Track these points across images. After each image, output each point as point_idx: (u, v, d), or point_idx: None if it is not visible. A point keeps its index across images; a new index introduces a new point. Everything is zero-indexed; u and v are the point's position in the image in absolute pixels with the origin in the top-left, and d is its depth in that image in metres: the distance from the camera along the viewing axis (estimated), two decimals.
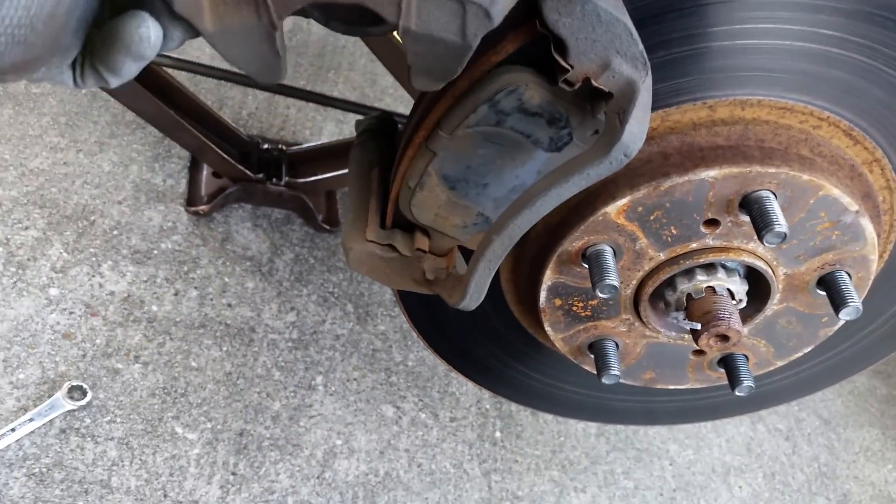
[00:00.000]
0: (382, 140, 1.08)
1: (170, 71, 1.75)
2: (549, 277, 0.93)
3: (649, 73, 0.72)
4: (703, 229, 0.86)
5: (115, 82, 0.68)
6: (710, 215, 0.85)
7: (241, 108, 2.14)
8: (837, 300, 0.88)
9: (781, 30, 0.78)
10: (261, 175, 1.84)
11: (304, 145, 1.94)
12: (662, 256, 0.89)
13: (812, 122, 0.84)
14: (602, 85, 0.73)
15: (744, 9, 0.78)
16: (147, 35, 0.65)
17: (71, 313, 1.52)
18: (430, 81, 0.71)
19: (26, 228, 1.61)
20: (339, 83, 2.35)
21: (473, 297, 0.88)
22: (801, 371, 1.23)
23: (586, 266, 0.90)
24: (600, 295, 0.86)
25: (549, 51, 0.73)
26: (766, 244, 0.80)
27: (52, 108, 1.88)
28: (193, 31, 0.66)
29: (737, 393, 0.98)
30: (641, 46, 0.71)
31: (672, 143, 0.83)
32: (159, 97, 1.65)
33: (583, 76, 0.73)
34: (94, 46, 0.68)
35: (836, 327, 0.99)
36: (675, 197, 0.83)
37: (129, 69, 0.67)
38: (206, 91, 2.10)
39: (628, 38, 0.70)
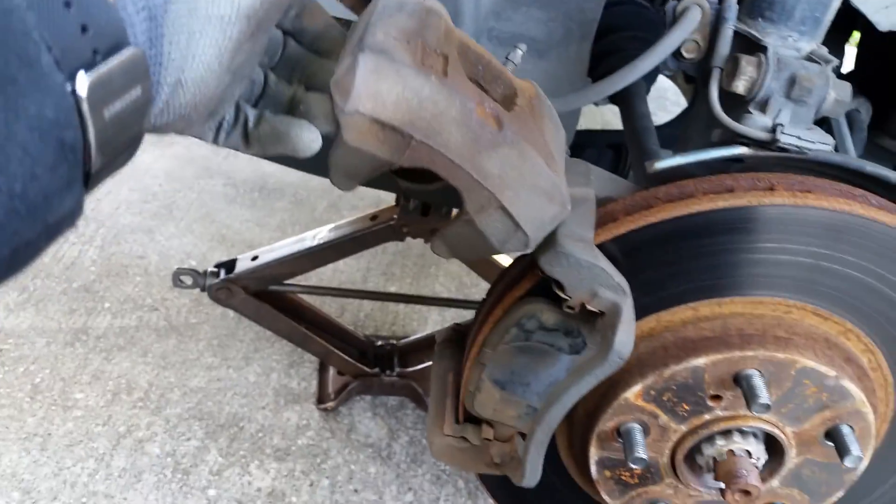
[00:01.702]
0: (455, 348, 1.34)
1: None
2: (594, 453, 1.12)
3: (629, 295, 0.95)
4: (710, 403, 1.05)
5: (253, 154, 0.73)
6: (712, 392, 1.04)
7: (359, 310, 2.48)
8: (841, 451, 1.03)
9: (733, 248, 1.00)
10: (376, 369, 2.14)
11: (412, 338, 2.24)
12: (684, 428, 1.08)
13: (782, 310, 1.03)
14: (594, 308, 0.96)
15: (703, 239, 1.01)
16: (315, 148, 0.70)
17: None
18: (446, 252, 0.87)
19: (188, 439, 1.95)
20: (440, 276, 2.68)
21: (531, 476, 1.08)
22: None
23: (622, 441, 1.09)
24: (633, 466, 1.05)
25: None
26: (756, 414, 0.98)
27: (207, 334, 2.28)
28: (332, 135, 0.70)
29: None
30: (619, 278, 0.95)
31: (668, 339, 1.04)
32: (292, 317, 2.01)
33: (579, 303, 0.97)
34: (255, 125, 0.71)
35: (858, 471, 1.11)
36: (678, 381, 1.03)
37: (276, 154, 0.71)
38: (330, 300, 2.47)
39: (605, 276, 0.94)
